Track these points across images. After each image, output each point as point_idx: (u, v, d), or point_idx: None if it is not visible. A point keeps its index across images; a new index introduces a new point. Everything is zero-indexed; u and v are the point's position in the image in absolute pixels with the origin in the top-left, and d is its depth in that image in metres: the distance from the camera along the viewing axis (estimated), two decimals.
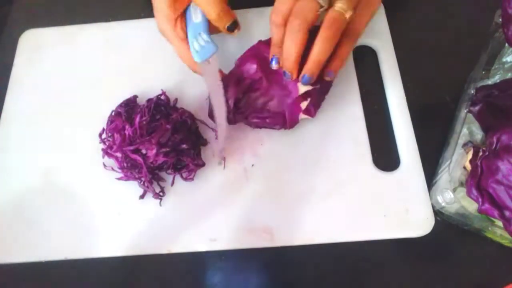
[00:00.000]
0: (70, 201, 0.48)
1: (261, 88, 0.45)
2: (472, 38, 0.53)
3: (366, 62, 0.53)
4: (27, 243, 0.46)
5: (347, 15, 0.39)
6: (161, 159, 0.45)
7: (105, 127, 0.49)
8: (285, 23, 0.39)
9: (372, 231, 0.44)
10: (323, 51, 0.39)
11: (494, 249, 0.45)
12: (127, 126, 0.46)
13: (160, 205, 0.47)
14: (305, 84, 0.41)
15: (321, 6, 0.38)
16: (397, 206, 0.45)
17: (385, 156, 0.48)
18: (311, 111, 0.45)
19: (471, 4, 0.57)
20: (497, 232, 0.42)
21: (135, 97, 0.51)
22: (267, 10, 0.46)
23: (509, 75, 0.46)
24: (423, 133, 0.48)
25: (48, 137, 0.52)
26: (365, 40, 0.53)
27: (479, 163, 0.38)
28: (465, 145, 0.44)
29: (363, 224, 0.45)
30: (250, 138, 0.49)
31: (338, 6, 0.38)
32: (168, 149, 0.45)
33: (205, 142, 0.49)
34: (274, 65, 0.42)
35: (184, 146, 0.46)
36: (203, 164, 0.48)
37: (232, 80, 0.45)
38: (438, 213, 0.45)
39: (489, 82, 0.47)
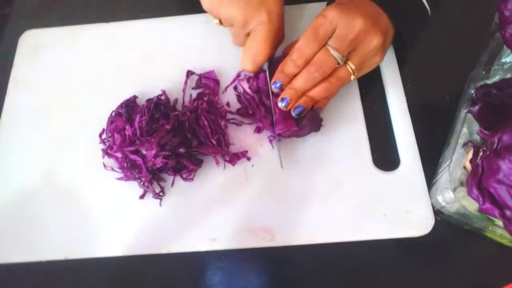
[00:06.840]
0: (70, 201, 0.48)
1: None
2: (472, 38, 0.53)
3: None
4: (27, 243, 0.46)
5: (353, 78, 0.45)
6: (159, 163, 0.45)
7: (105, 127, 0.50)
8: (303, 65, 0.44)
9: (372, 231, 0.44)
10: (320, 96, 0.45)
11: (494, 249, 0.44)
12: (127, 127, 0.46)
13: (160, 205, 0.47)
14: (296, 115, 0.45)
15: (338, 63, 0.43)
16: (397, 206, 0.45)
17: (385, 156, 0.48)
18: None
19: (471, 4, 0.57)
20: (497, 231, 0.42)
21: (135, 97, 0.51)
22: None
23: (508, 76, 0.46)
24: (423, 133, 0.48)
25: (48, 137, 0.51)
26: None
27: (480, 163, 0.38)
28: (465, 144, 0.44)
29: (363, 224, 0.45)
30: (250, 138, 0.49)
31: (350, 65, 0.44)
32: (167, 153, 0.45)
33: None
34: (275, 89, 0.45)
35: (181, 150, 0.46)
36: (201, 161, 0.47)
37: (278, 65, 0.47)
38: (438, 213, 0.45)
39: (489, 82, 0.47)
